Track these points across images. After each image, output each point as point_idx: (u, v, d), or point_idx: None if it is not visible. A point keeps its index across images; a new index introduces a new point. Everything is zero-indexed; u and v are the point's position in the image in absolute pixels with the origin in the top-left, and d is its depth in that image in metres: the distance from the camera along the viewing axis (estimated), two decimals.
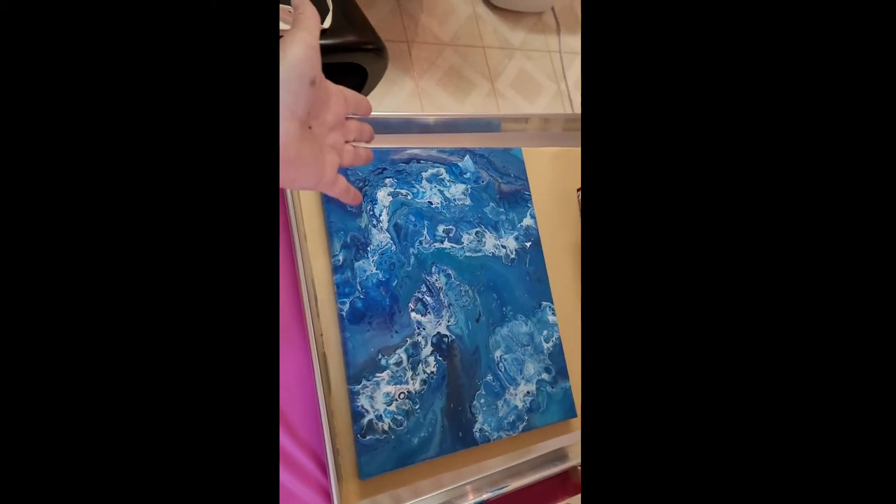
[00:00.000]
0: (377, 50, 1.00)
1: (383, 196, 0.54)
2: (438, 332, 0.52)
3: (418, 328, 0.51)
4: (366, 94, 1.14)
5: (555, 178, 0.65)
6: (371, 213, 0.53)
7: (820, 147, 0.22)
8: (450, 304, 0.53)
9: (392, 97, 1.39)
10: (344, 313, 0.49)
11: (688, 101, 0.24)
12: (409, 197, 0.55)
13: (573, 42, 1.69)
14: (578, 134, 0.70)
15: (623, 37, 0.25)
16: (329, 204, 0.51)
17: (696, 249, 0.24)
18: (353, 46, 0.96)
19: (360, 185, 0.53)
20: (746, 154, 0.23)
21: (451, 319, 0.53)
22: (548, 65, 1.62)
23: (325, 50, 0.96)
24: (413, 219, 0.54)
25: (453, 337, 0.53)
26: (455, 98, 1.46)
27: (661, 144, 0.24)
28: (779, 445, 0.22)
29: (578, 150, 0.68)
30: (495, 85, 1.52)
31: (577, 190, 0.66)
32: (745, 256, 0.23)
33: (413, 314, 0.52)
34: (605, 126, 0.25)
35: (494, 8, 1.58)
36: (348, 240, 0.51)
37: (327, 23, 0.94)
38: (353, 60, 1.00)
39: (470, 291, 0.55)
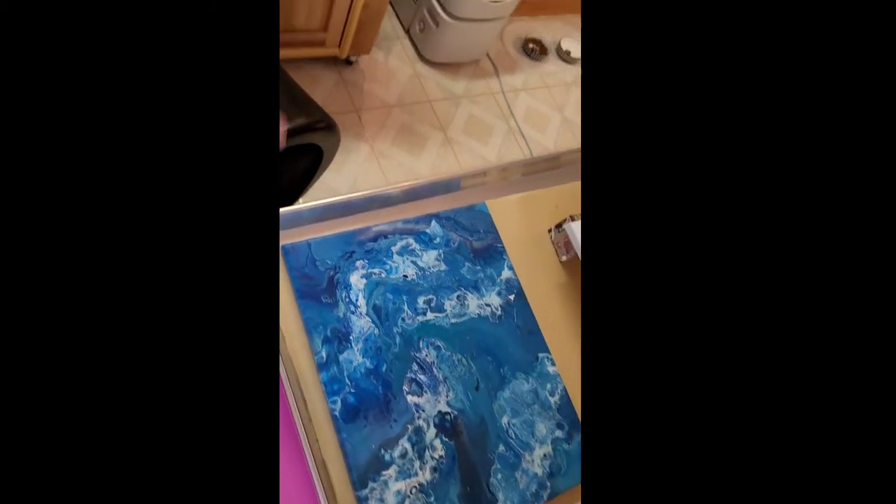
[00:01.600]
0: (328, 127, 1.01)
1: (356, 280, 0.52)
2: (439, 411, 0.49)
3: (417, 411, 0.49)
4: (324, 168, 1.15)
5: (523, 223, 0.65)
6: (347, 299, 0.51)
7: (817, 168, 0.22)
8: (445, 378, 0.51)
9: (350, 163, 1.40)
10: (337, 412, 0.46)
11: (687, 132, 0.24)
12: (382, 275, 0.53)
13: (513, 81, 1.75)
14: (538, 176, 0.71)
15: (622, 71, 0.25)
16: (304, 300, 0.49)
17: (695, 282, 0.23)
18: (304, 128, 0.97)
19: (331, 272, 0.51)
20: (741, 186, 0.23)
21: (450, 394, 0.51)
22: (493, 105, 1.67)
23: None
24: (391, 296, 0.53)
25: (455, 412, 0.50)
26: (411, 153, 1.48)
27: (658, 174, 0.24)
28: (776, 474, 0.21)
29: (542, 192, 0.68)
30: (448, 134, 1.55)
31: (549, 230, 0.66)
32: (741, 298, 0.22)
33: (409, 397, 0.49)
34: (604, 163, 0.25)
35: (433, 64, 1.64)
36: (329, 333, 0.49)
37: None
38: (306, 141, 1.00)
39: (463, 360, 0.53)
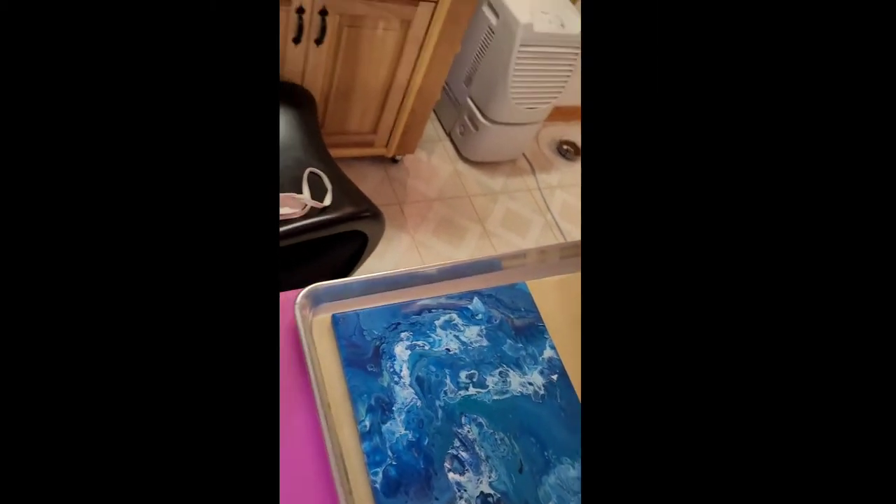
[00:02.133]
0: (374, 215, 1.09)
1: (401, 351, 0.53)
2: (482, 492, 0.47)
3: (459, 490, 0.47)
4: (368, 254, 1.21)
5: (563, 304, 0.66)
6: (391, 369, 0.52)
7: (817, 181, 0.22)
8: (487, 457, 0.50)
9: (392, 252, 1.46)
10: (378, 485, 0.45)
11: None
12: (426, 347, 0.54)
13: (548, 179, 1.84)
14: (576, 260, 0.73)
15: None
16: (350, 368, 0.50)
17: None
18: (353, 216, 1.04)
19: (377, 343, 0.53)
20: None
21: (493, 474, 0.49)
22: (531, 201, 1.74)
23: (329, 223, 1.03)
24: (434, 369, 0.53)
25: (498, 495, 0.48)
26: (451, 244, 1.54)
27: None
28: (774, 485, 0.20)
29: (580, 274, 0.69)
30: (486, 227, 1.62)
31: None
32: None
33: (451, 475, 0.48)
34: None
35: (472, 163, 1.75)
36: (373, 402, 0.49)
37: (328, 200, 1.03)
38: (354, 228, 1.07)
39: (506, 439, 0.51)
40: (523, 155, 1.86)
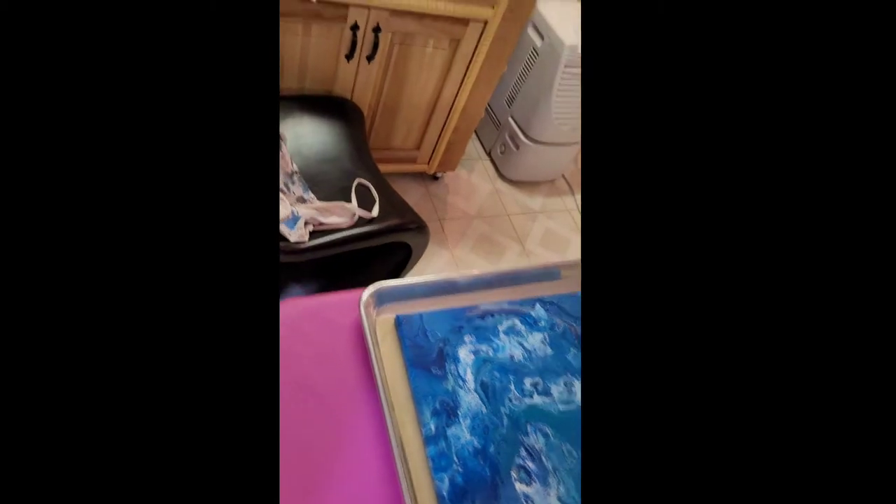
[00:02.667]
0: (419, 227, 1.09)
1: (465, 354, 0.52)
2: None
3: (526, 502, 0.45)
4: (412, 265, 1.20)
5: None
6: (456, 373, 0.50)
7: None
8: (555, 469, 0.47)
9: (432, 267, 1.45)
10: (444, 492, 0.43)
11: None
12: (490, 352, 0.53)
13: None
14: None
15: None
16: (414, 369, 0.49)
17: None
18: (399, 227, 1.05)
19: (441, 344, 0.52)
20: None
21: (560, 488, 0.46)
22: (570, 221, 1.72)
23: (376, 233, 1.04)
24: (498, 374, 0.52)
25: None
26: (489, 261, 1.52)
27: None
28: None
29: None
30: (525, 246, 1.60)
31: None
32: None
33: (518, 485, 0.45)
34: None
35: (512, 182, 1.75)
36: (438, 405, 0.48)
37: (375, 211, 1.04)
38: (399, 240, 1.08)
39: (573, 451, 0.49)
40: (562, 176, 1.85)
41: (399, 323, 0.53)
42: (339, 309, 0.54)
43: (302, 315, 0.53)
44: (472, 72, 1.33)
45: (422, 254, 1.18)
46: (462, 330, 0.54)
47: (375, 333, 0.52)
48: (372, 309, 0.53)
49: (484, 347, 0.53)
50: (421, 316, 0.53)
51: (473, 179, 1.72)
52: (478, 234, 1.57)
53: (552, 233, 1.67)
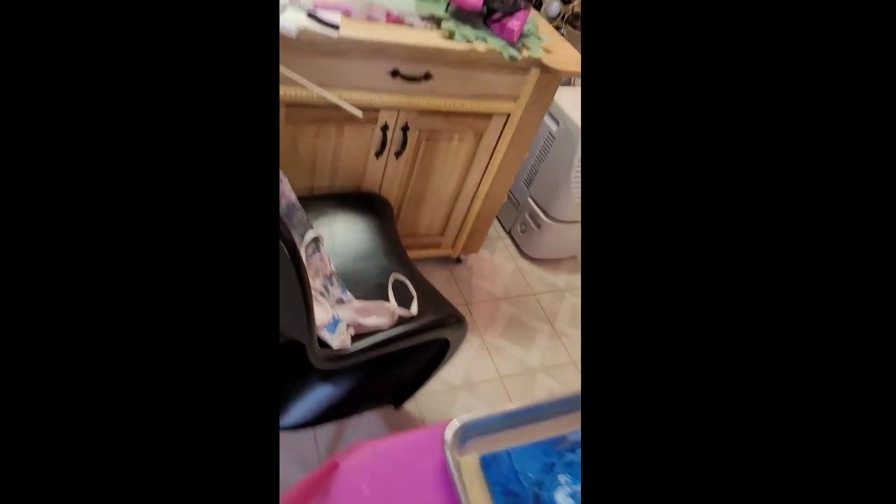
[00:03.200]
0: (458, 321, 1.06)
1: (563, 499, 0.47)
2: None
3: None
4: (449, 359, 1.16)
5: None
6: None
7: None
8: None
9: (462, 355, 1.41)
10: None
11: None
12: None
13: None
14: None
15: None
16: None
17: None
18: (439, 324, 1.02)
19: (536, 489, 0.47)
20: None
21: None
22: None
23: (417, 331, 1.00)
24: None
25: None
26: (521, 346, 1.48)
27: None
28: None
29: None
30: (555, 326, 1.56)
31: None
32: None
33: None
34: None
35: (533, 260, 1.75)
36: None
37: (414, 308, 1.01)
38: (438, 336, 1.04)
39: None
40: None
41: (485, 464, 0.48)
42: (417, 450, 0.50)
43: (380, 460, 0.48)
44: (494, 161, 1.36)
45: (459, 346, 1.14)
46: (554, 468, 0.49)
47: (462, 478, 0.48)
48: (456, 450, 0.49)
49: (580, 488, 0.49)
50: (509, 454, 0.49)
51: (496, 260, 1.71)
52: (507, 317, 1.54)
53: (580, 311, 1.64)
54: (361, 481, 0.45)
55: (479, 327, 1.49)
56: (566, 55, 1.19)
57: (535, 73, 1.18)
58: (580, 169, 1.53)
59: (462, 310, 1.52)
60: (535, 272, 1.72)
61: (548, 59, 1.14)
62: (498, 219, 1.86)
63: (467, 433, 0.51)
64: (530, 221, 1.70)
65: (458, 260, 1.65)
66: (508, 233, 1.82)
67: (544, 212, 1.65)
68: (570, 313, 1.62)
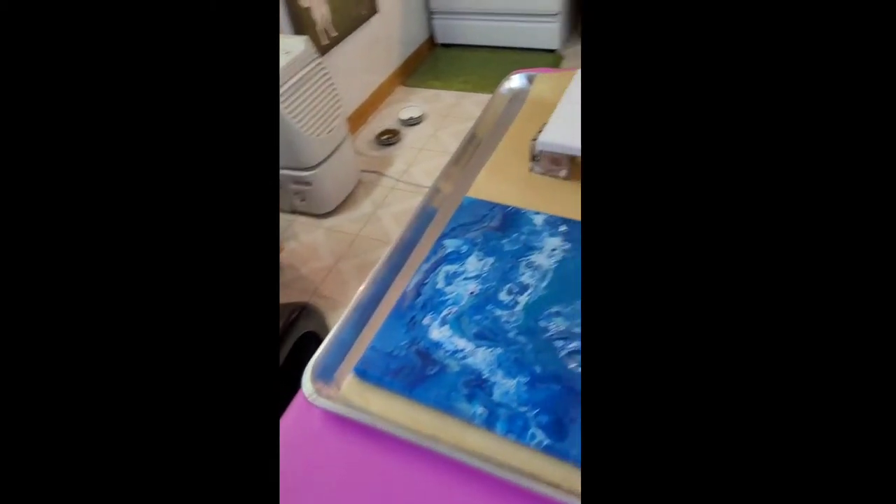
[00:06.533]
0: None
1: (439, 334, 0.46)
2: None
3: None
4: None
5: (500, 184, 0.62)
6: (448, 351, 0.44)
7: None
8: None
9: None
10: (543, 445, 0.38)
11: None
12: (454, 310, 0.48)
13: None
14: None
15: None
16: (414, 390, 0.42)
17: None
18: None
19: (415, 347, 0.45)
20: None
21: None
22: None
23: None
24: (479, 316, 0.47)
25: None
26: None
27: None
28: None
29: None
30: None
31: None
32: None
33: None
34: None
35: None
36: (466, 392, 0.42)
37: None
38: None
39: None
40: None
41: (363, 374, 0.45)
42: (302, 417, 0.44)
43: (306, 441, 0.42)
44: None
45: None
46: (415, 323, 0.47)
47: (356, 405, 0.43)
48: (330, 390, 0.44)
49: (445, 312, 0.48)
50: (373, 347, 0.46)
51: None
52: None
53: None
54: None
55: None
56: None
57: None
58: None
59: None
60: None
61: None
62: None
63: (328, 368, 0.46)
64: None
65: None
66: None
67: None
68: None
